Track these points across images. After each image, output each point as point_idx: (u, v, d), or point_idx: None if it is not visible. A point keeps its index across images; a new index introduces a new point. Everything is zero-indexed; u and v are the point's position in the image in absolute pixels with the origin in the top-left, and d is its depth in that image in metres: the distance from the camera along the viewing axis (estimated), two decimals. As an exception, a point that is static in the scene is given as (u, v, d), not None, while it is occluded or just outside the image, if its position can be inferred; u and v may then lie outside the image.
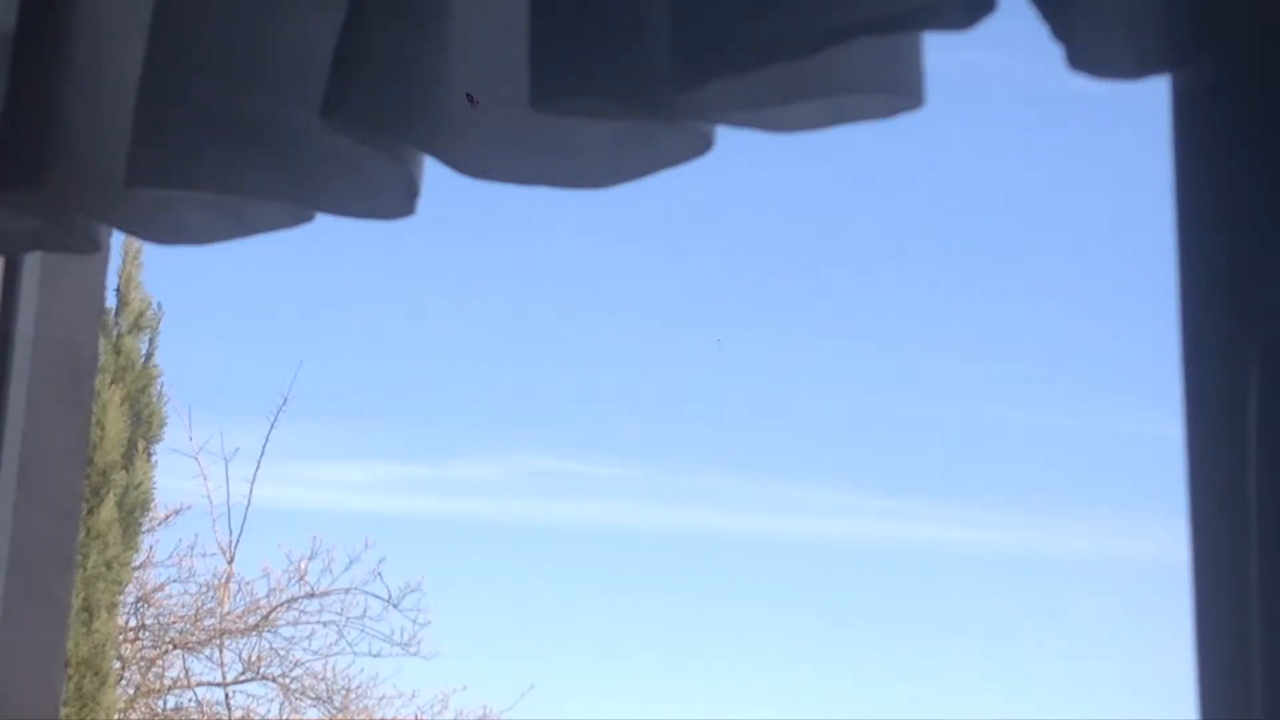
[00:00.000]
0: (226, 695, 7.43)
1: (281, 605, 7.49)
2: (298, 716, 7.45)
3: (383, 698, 7.53)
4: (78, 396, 1.20)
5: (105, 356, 6.64)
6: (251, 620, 7.48)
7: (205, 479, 7.45)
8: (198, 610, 7.44)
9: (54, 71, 0.98)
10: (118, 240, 5.80)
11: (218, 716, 7.41)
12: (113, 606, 6.49)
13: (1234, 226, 0.73)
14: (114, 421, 6.49)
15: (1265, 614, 0.68)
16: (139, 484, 6.67)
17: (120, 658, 6.98)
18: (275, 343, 9.82)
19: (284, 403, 7.54)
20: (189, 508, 7.42)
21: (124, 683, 7.15)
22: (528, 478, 8.92)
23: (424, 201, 0.92)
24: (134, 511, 6.65)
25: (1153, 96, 0.77)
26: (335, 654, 7.48)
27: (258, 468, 7.53)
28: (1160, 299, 0.76)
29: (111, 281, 6.92)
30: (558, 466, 8.83)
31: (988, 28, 0.73)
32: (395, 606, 7.45)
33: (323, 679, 7.48)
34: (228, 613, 7.46)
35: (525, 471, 8.89)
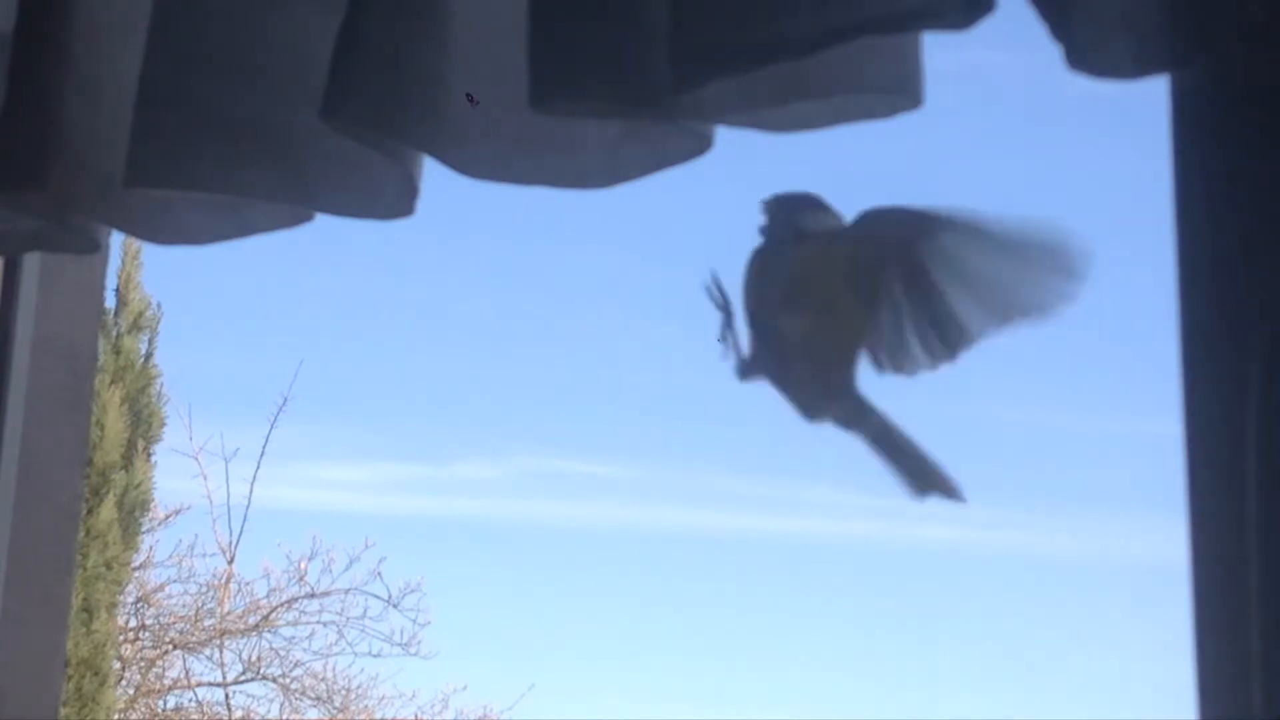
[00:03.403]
0: (226, 695, 7.44)
1: (281, 605, 7.49)
2: (298, 716, 7.45)
3: (383, 698, 7.53)
4: (78, 396, 1.20)
5: (105, 356, 6.63)
6: (251, 620, 7.48)
7: (205, 479, 7.45)
8: (198, 610, 7.44)
9: (54, 71, 0.98)
10: (118, 240, 5.80)
11: (218, 716, 7.41)
12: (113, 606, 6.49)
13: (1234, 226, 0.73)
14: (114, 421, 6.49)
15: (1265, 614, 0.68)
16: (139, 484, 6.67)
17: (120, 658, 6.98)
18: (275, 343, 9.82)
19: (284, 403, 7.53)
20: (189, 508, 7.42)
21: (124, 683, 7.15)
22: (528, 478, 8.92)
23: (424, 201, 0.92)
24: (134, 511, 6.65)
25: (1152, 96, 0.77)
26: (335, 654, 7.48)
27: (258, 468, 7.53)
28: (1160, 299, 0.76)
29: (111, 281, 6.92)
30: (558, 466, 8.84)
31: (987, 28, 0.73)
32: (395, 607, 7.45)
33: (323, 679, 7.48)
34: (228, 613, 7.46)
35: (525, 471, 8.89)
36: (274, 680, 7.47)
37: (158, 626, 7.46)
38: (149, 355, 6.98)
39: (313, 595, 7.48)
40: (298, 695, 7.48)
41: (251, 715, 7.47)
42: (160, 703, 7.45)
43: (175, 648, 7.44)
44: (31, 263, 1.19)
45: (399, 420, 9.46)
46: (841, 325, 0.96)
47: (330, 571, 7.49)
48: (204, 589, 7.48)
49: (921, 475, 0.96)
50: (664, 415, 8.79)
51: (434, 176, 0.91)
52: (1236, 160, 0.73)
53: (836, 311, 0.95)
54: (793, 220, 0.95)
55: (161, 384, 6.99)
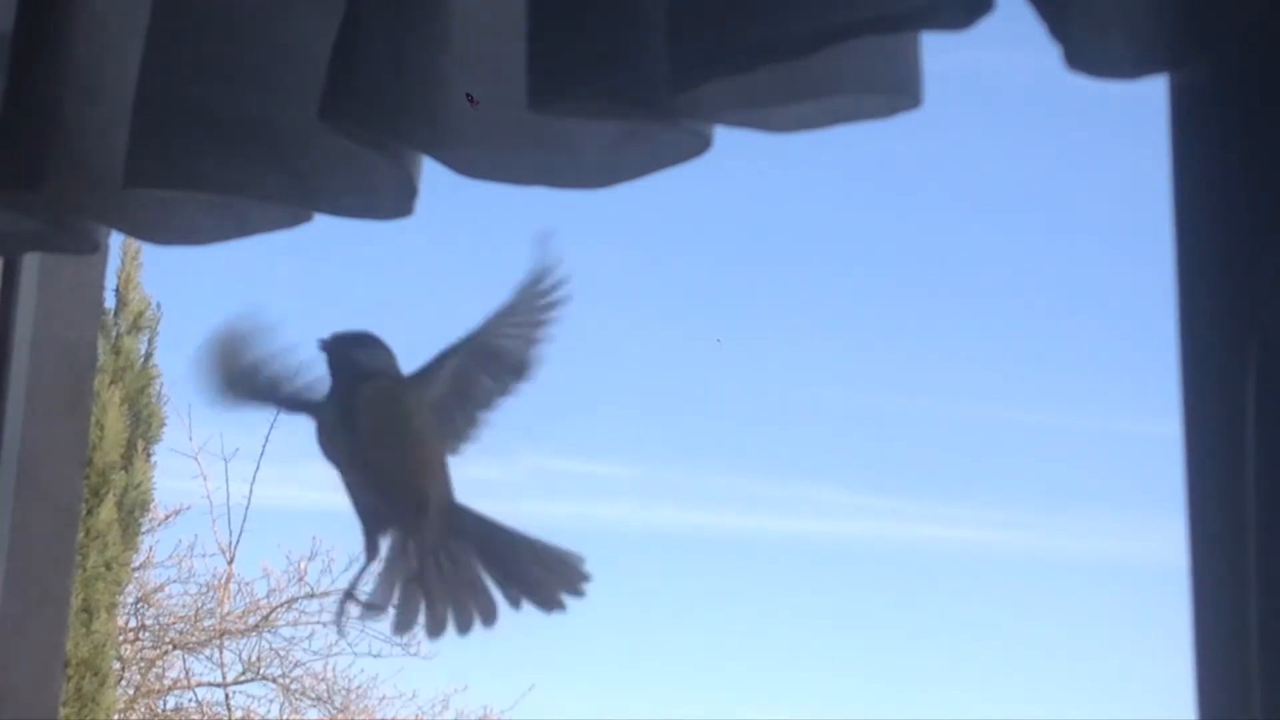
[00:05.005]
0: (226, 695, 7.44)
1: (281, 605, 7.49)
2: (298, 717, 7.45)
3: (383, 698, 7.52)
4: (77, 396, 1.20)
5: (105, 356, 6.63)
6: (251, 620, 7.47)
7: (205, 479, 7.45)
8: (198, 610, 7.44)
9: (54, 71, 0.98)
10: (117, 240, 5.79)
11: (218, 717, 7.41)
12: (113, 606, 6.49)
13: (1232, 226, 0.73)
14: (113, 421, 6.49)
15: (1264, 614, 0.68)
16: (138, 484, 6.67)
17: (120, 658, 6.98)
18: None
19: (284, 403, 7.52)
20: (189, 508, 7.42)
21: (124, 683, 7.15)
22: (528, 478, 8.92)
23: (423, 202, 0.92)
24: (133, 512, 6.65)
25: (1152, 96, 0.77)
26: (335, 654, 7.47)
27: (258, 468, 7.52)
28: (1159, 299, 0.76)
29: (111, 281, 6.91)
30: (561, 466, 8.83)
31: (987, 28, 0.73)
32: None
33: (323, 679, 7.48)
34: (228, 613, 7.46)
35: (526, 471, 8.89)
36: (274, 680, 7.46)
37: (158, 626, 7.47)
38: (149, 355, 6.98)
39: (313, 595, 7.48)
40: (298, 695, 7.48)
41: (251, 715, 7.48)
42: (160, 703, 7.45)
43: (175, 648, 7.44)
44: (31, 263, 1.19)
45: (399, 420, 9.44)
46: (425, 448, 1.11)
47: (330, 572, 7.48)
48: (204, 589, 7.48)
49: (546, 582, 1.10)
50: (665, 415, 8.80)
51: (434, 176, 0.91)
52: (1236, 160, 0.73)
53: (419, 439, 1.10)
54: (351, 357, 1.07)
55: (161, 384, 6.99)
